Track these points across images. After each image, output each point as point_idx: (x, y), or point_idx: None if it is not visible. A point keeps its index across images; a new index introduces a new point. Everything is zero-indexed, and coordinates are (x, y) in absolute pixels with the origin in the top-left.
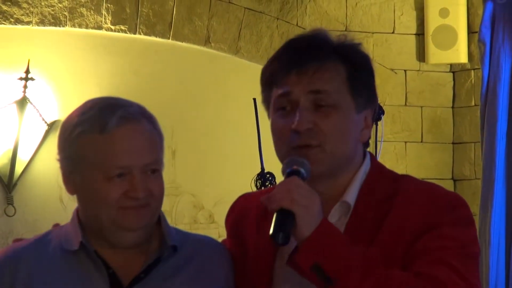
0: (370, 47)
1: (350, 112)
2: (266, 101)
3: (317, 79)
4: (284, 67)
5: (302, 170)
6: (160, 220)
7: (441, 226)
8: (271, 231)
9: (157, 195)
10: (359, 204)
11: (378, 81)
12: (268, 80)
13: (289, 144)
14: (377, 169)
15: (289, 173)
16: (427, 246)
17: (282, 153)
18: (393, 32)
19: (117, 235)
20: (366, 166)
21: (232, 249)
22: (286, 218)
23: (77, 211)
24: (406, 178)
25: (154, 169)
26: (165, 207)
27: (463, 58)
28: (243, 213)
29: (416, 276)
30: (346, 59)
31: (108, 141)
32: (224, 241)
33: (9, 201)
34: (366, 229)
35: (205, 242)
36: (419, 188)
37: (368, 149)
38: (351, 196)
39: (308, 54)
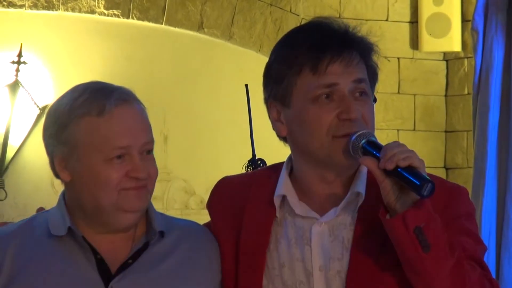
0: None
1: (372, 102)
2: (287, 86)
3: (359, 69)
4: (329, 56)
5: (374, 139)
6: None
7: (459, 219)
8: (410, 184)
9: (153, 177)
10: (370, 194)
11: None
12: (299, 65)
13: (334, 133)
14: None
15: (368, 142)
16: (454, 241)
17: (320, 141)
18: (386, 20)
19: (117, 218)
20: None
21: (220, 232)
22: (416, 174)
23: (63, 196)
24: None
25: (149, 150)
26: (157, 192)
27: (456, 46)
28: (232, 196)
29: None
30: (364, 51)
31: (107, 123)
32: (207, 224)
33: (0, 185)
34: (378, 219)
35: (190, 227)
36: None
37: None
38: (361, 186)
39: (350, 44)
